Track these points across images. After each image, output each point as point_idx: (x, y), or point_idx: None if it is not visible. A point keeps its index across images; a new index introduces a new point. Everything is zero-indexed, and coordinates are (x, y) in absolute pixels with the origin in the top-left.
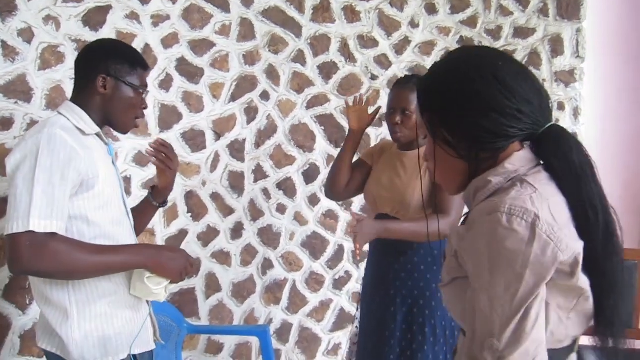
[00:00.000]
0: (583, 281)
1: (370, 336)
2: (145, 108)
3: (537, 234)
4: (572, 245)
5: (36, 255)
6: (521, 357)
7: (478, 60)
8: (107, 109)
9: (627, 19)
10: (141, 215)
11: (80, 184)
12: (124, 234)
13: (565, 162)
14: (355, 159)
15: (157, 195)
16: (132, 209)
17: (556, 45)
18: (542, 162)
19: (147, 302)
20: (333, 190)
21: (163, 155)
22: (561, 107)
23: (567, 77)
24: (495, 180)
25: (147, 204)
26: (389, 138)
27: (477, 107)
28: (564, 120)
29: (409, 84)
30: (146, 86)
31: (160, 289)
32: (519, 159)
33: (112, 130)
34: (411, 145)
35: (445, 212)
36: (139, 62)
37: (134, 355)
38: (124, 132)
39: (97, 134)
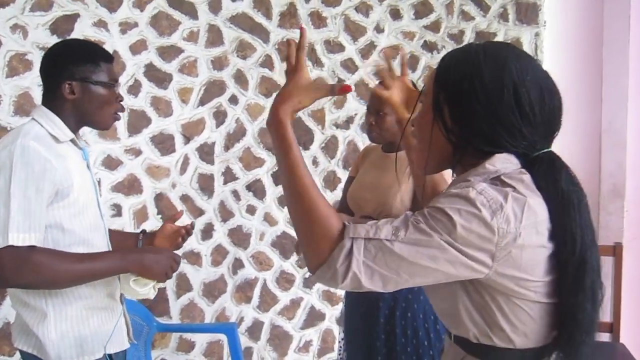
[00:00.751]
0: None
1: (358, 339)
2: (121, 100)
3: (494, 218)
4: (523, 243)
5: (19, 269)
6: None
7: (510, 68)
8: (80, 112)
9: (584, 21)
10: (118, 241)
11: (55, 194)
12: (99, 239)
13: (554, 188)
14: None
15: (146, 240)
16: (114, 232)
17: None
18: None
19: (122, 302)
20: None
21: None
22: None
23: None
24: (475, 179)
25: (130, 238)
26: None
27: (486, 111)
28: None
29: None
30: (116, 79)
31: (147, 289)
32: (500, 160)
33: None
34: (393, 146)
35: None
36: (101, 56)
37: (109, 355)
38: (106, 129)
39: (72, 140)
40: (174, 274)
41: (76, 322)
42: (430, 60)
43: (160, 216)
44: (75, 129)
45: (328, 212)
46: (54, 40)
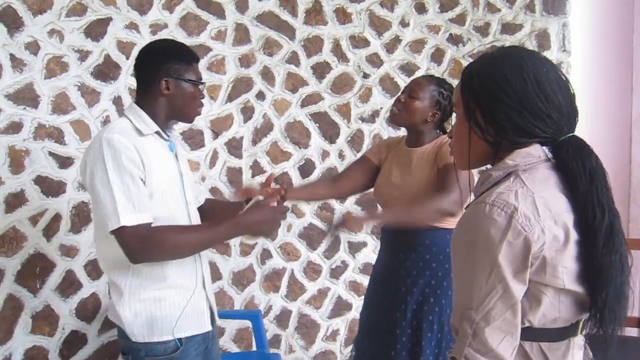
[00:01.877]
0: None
1: (379, 334)
2: (203, 97)
3: (512, 224)
4: (548, 234)
5: (144, 245)
6: (493, 332)
7: (527, 63)
8: (172, 106)
9: (613, 9)
10: (225, 208)
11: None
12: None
13: (582, 166)
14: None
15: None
16: (220, 201)
17: (543, 40)
18: (546, 159)
19: (204, 287)
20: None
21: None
22: None
23: None
24: (495, 174)
25: (236, 207)
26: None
27: (514, 103)
28: None
29: (427, 77)
30: (201, 78)
31: (257, 239)
32: (520, 154)
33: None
34: (418, 142)
35: (445, 190)
36: (193, 57)
37: (179, 339)
38: (190, 122)
39: (156, 132)
40: None
41: (148, 304)
42: (455, 53)
43: None
44: (164, 122)
45: None
46: (88, 42)
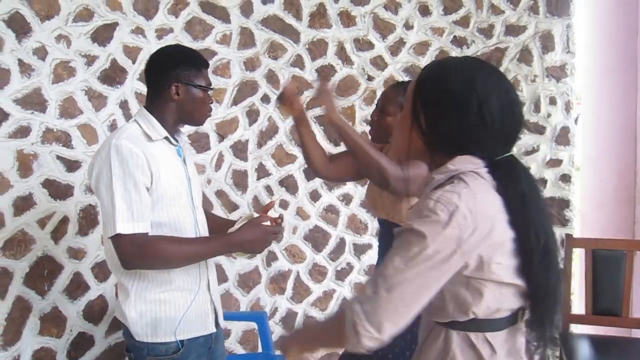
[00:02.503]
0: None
1: None
2: (212, 102)
3: (452, 221)
4: (483, 233)
5: (137, 254)
6: (387, 305)
7: (479, 82)
8: (181, 111)
9: (618, 10)
10: (218, 224)
11: (149, 186)
12: (188, 231)
13: (514, 190)
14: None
15: None
16: (215, 216)
17: (547, 42)
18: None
19: (209, 290)
20: (311, 168)
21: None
22: (553, 101)
23: (558, 72)
24: (438, 177)
25: (229, 225)
26: None
27: (454, 122)
28: (556, 114)
29: (395, 87)
30: (210, 83)
31: (248, 257)
32: (461, 160)
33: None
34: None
35: (401, 163)
36: (203, 63)
37: (181, 341)
38: (200, 125)
39: (165, 138)
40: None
41: (153, 305)
42: (459, 55)
43: None
44: (173, 127)
45: None
46: (95, 47)
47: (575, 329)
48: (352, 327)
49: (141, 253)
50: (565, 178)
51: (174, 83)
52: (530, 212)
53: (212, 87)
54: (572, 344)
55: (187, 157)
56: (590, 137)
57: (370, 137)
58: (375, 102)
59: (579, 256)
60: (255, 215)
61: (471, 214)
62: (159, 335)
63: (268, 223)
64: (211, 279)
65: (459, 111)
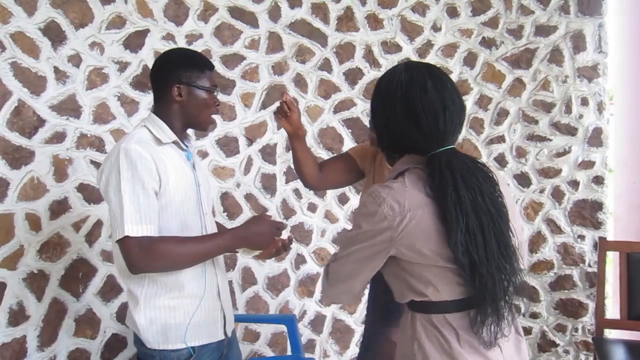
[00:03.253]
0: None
1: None
2: (219, 105)
3: (380, 208)
4: (411, 222)
5: (145, 257)
6: (337, 272)
7: (409, 93)
8: (185, 113)
9: None
10: None
11: (157, 190)
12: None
13: (440, 180)
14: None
15: None
16: (221, 226)
17: (578, 42)
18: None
19: (218, 296)
20: (301, 179)
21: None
22: (585, 102)
23: (590, 73)
24: (389, 175)
25: None
26: None
27: (397, 126)
28: (588, 115)
29: None
30: (216, 85)
31: (254, 253)
32: (404, 160)
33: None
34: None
35: None
36: (206, 64)
37: (193, 347)
38: (204, 130)
39: (174, 142)
40: (238, 268)
41: (163, 312)
42: (488, 57)
43: (225, 214)
44: (181, 131)
45: None
46: (127, 54)
47: (610, 334)
48: (322, 281)
49: (148, 255)
50: (598, 180)
51: (176, 84)
52: (451, 199)
53: (215, 87)
54: (607, 349)
55: (197, 163)
56: (624, 138)
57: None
58: None
59: (612, 260)
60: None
61: (398, 205)
62: (170, 342)
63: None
64: (221, 285)
65: (388, 114)
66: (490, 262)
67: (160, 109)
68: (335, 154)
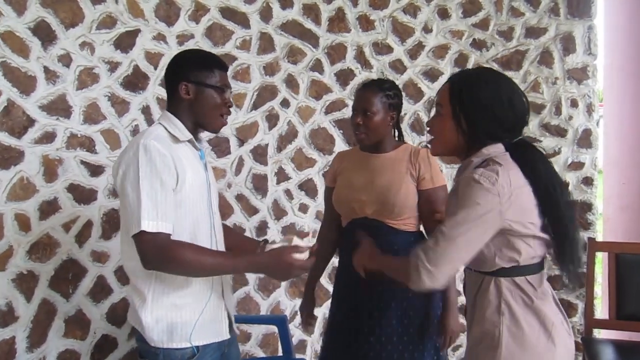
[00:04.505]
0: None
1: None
2: (230, 106)
3: (494, 187)
4: (518, 199)
5: (160, 255)
6: (449, 249)
7: (502, 86)
8: (194, 112)
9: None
10: (238, 242)
11: (174, 186)
12: (204, 236)
13: (532, 160)
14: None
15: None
16: (235, 232)
17: (568, 44)
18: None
19: (223, 297)
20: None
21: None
22: (574, 104)
23: (579, 75)
24: (476, 160)
25: (250, 244)
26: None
27: (492, 117)
28: (577, 116)
29: (370, 87)
30: (227, 85)
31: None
32: (492, 147)
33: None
34: (379, 147)
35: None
36: (215, 64)
37: (196, 346)
38: (214, 131)
39: (190, 141)
40: None
41: (169, 311)
42: (479, 58)
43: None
44: (193, 131)
45: None
46: (117, 54)
47: (599, 334)
48: (414, 268)
49: (162, 254)
50: (588, 181)
51: (183, 82)
52: (544, 180)
53: (225, 87)
54: (596, 349)
55: (208, 163)
56: (613, 139)
57: (360, 141)
58: (353, 106)
59: (602, 260)
60: (296, 241)
61: (507, 185)
62: (175, 341)
63: (302, 255)
64: (225, 285)
65: (495, 109)
66: (572, 225)
67: (172, 109)
68: (326, 155)
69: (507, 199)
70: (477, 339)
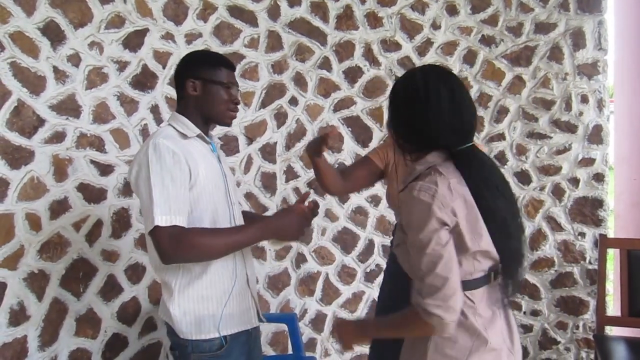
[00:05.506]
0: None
1: None
2: (237, 103)
3: (434, 199)
4: (457, 210)
5: (177, 247)
6: (438, 298)
7: (431, 86)
8: (201, 107)
9: None
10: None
11: (188, 182)
12: (225, 225)
13: (474, 175)
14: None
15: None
16: (249, 213)
17: (578, 39)
18: (448, 158)
19: (248, 285)
20: (324, 189)
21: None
22: (585, 99)
23: (590, 70)
24: (419, 168)
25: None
26: None
27: (416, 120)
28: (588, 112)
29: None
30: (234, 82)
31: (284, 244)
32: (435, 155)
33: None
34: None
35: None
36: (221, 62)
37: (224, 337)
38: (226, 124)
39: (199, 136)
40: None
41: (196, 303)
42: (488, 55)
43: None
44: (203, 126)
45: None
46: (126, 54)
47: (611, 331)
48: (425, 314)
49: (179, 245)
50: (599, 177)
51: (190, 79)
52: (487, 192)
53: (231, 84)
54: (608, 346)
55: (221, 155)
56: (624, 135)
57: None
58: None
59: (613, 257)
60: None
61: (449, 195)
62: (203, 332)
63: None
64: (249, 274)
65: (415, 111)
66: (514, 238)
67: (181, 107)
68: (335, 153)
69: (450, 210)
70: (410, 344)
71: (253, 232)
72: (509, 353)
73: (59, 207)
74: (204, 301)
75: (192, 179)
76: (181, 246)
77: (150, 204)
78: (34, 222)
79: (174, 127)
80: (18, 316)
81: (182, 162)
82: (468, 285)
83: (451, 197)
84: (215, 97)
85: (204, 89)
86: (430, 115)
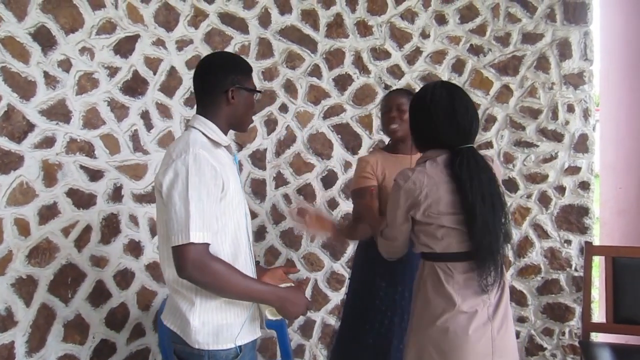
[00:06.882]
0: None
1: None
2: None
3: (406, 183)
4: (431, 195)
5: (200, 269)
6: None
7: (445, 101)
8: (234, 116)
9: (635, 16)
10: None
11: (220, 196)
12: (243, 236)
13: (460, 169)
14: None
15: (258, 272)
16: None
17: (564, 49)
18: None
19: None
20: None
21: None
22: (571, 109)
23: (576, 80)
24: (418, 160)
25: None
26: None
27: (430, 129)
28: (574, 121)
29: (401, 91)
30: (256, 88)
31: (276, 317)
32: (433, 151)
33: None
34: (404, 148)
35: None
36: (250, 68)
37: (239, 346)
38: (245, 131)
39: (227, 146)
40: None
41: (216, 313)
42: (476, 64)
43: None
44: (225, 133)
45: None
46: (117, 59)
47: (596, 337)
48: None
49: (203, 268)
50: (584, 185)
51: (231, 87)
52: (468, 184)
53: (260, 90)
54: (593, 353)
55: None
56: (609, 144)
57: (394, 132)
58: (385, 108)
59: (599, 264)
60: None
61: (418, 182)
62: (220, 342)
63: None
64: None
65: (419, 115)
66: (489, 221)
67: (209, 112)
68: (324, 159)
69: (419, 194)
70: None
71: (266, 291)
72: (487, 321)
73: (48, 213)
74: (224, 311)
75: (223, 191)
76: (205, 269)
77: (186, 218)
78: (23, 227)
79: (203, 134)
80: (5, 322)
81: (217, 177)
82: (447, 257)
83: (420, 185)
84: (248, 104)
85: (240, 96)
86: (429, 118)
